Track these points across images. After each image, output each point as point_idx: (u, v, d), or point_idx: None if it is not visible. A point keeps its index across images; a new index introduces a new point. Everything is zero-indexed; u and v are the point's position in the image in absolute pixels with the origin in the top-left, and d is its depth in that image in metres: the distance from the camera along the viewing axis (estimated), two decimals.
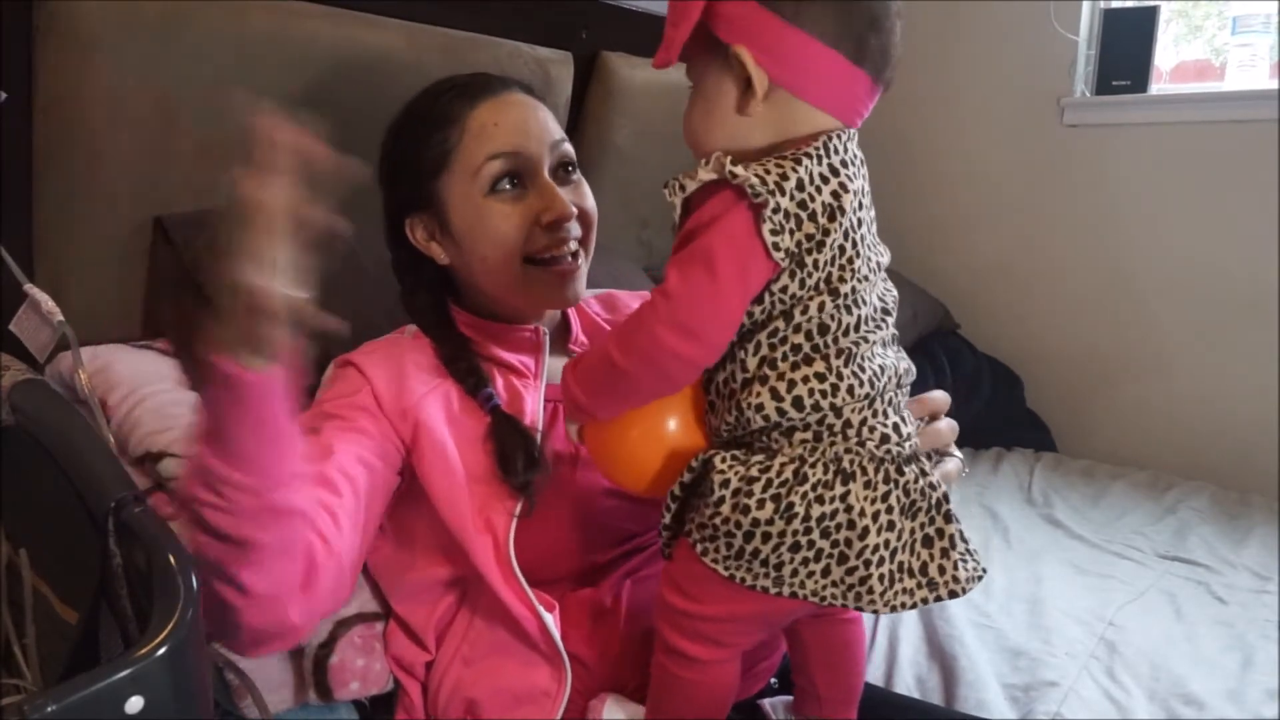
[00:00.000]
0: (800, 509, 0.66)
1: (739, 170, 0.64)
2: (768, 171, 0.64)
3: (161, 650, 0.52)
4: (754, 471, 0.68)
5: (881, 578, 0.67)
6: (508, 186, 0.91)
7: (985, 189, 2.37)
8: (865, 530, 0.67)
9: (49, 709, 0.47)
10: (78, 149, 1.16)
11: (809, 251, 0.66)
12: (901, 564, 0.68)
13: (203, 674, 0.59)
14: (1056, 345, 2.32)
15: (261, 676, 0.92)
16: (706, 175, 0.66)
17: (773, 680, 0.98)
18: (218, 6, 1.21)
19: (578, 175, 0.97)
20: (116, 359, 1.16)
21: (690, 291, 0.65)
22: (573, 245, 0.93)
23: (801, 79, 0.67)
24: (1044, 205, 2.29)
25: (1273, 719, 1.11)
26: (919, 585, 0.69)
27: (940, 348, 2.18)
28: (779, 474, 0.67)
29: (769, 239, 0.64)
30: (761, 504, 0.67)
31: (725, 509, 0.68)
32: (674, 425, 0.74)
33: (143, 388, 1.12)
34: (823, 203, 0.66)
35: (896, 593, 0.68)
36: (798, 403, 0.67)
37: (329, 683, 0.92)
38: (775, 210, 0.64)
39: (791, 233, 0.65)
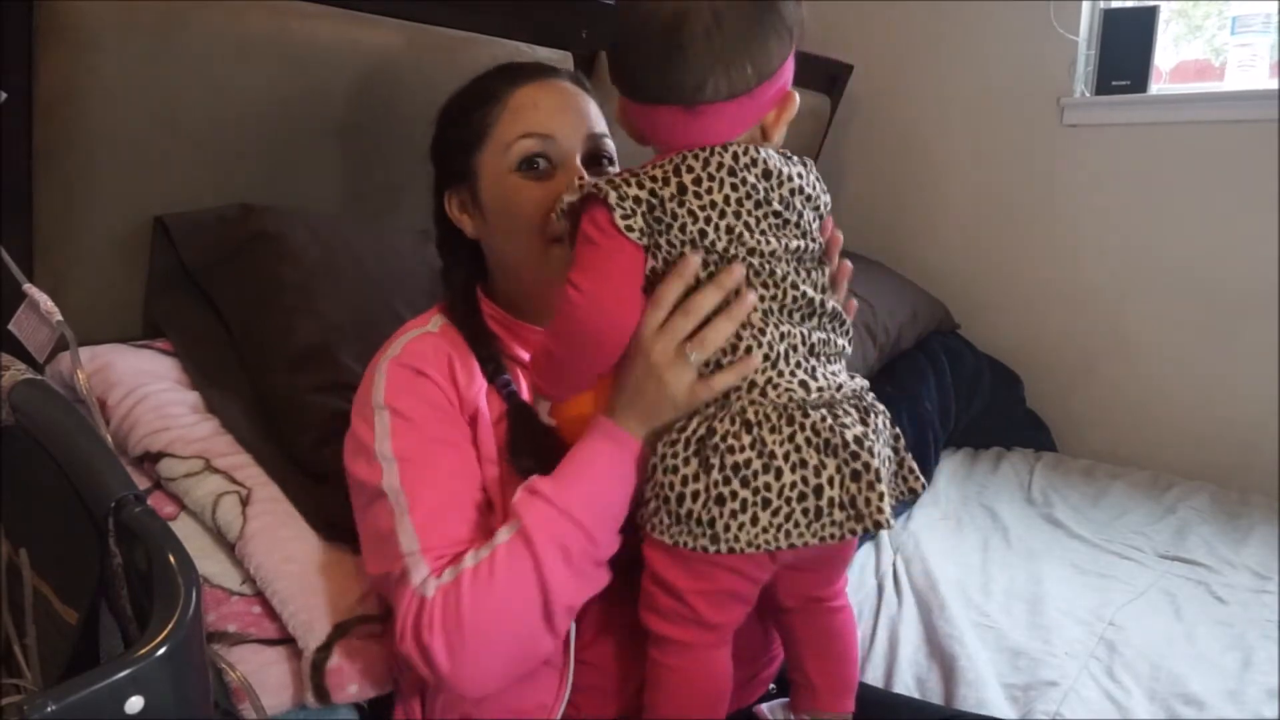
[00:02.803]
0: (715, 460, 0.73)
1: (598, 179, 0.78)
2: (628, 171, 0.78)
3: (161, 650, 0.52)
4: (673, 434, 0.76)
5: (805, 512, 0.73)
6: (536, 166, 0.92)
7: (985, 189, 2.37)
8: (779, 471, 0.73)
9: (49, 709, 0.47)
10: (78, 149, 1.16)
11: (660, 233, 0.76)
12: (831, 499, 0.73)
13: (203, 674, 0.59)
14: (1057, 345, 2.32)
15: (260, 679, 0.92)
16: (572, 197, 0.80)
17: (771, 687, 0.98)
18: (217, 6, 1.21)
19: (614, 169, 0.97)
20: (116, 358, 1.16)
21: (581, 283, 0.77)
22: None
23: (651, 136, 0.82)
24: (1044, 205, 2.29)
25: (1273, 719, 1.11)
26: (847, 518, 0.74)
27: (940, 348, 2.18)
28: (694, 432, 0.75)
29: (620, 224, 0.75)
30: (687, 462, 0.75)
31: (657, 475, 0.76)
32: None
33: (142, 387, 1.12)
34: (670, 191, 0.76)
35: (824, 524, 0.74)
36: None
37: (326, 685, 0.92)
38: (620, 200, 0.75)
39: (641, 216, 0.75)
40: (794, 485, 0.73)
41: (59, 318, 0.87)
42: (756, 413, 0.74)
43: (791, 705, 0.90)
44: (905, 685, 1.23)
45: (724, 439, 0.74)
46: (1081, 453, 2.20)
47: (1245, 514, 1.78)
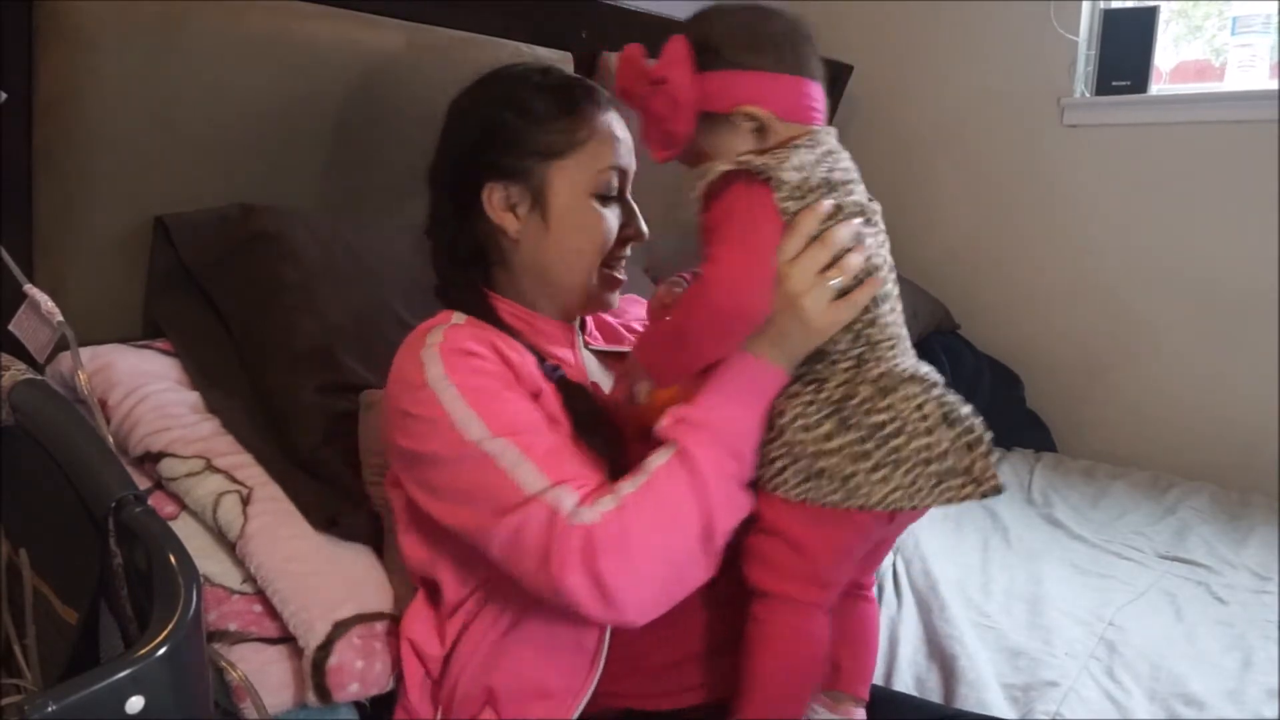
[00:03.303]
0: (855, 420, 0.78)
1: (752, 159, 0.78)
2: (772, 157, 0.79)
3: (162, 650, 0.52)
4: (807, 397, 0.80)
5: (930, 476, 0.77)
6: (611, 195, 0.97)
7: (985, 189, 2.37)
8: (911, 435, 0.77)
9: (49, 709, 0.47)
10: (78, 149, 1.16)
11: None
12: (951, 467, 0.78)
13: (203, 674, 0.59)
14: (1057, 345, 2.32)
15: (261, 678, 0.92)
16: (724, 166, 0.79)
17: None
18: (217, 6, 1.21)
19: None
20: (117, 358, 1.16)
21: (732, 260, 0.78)
22: (625, 260, 1.01)
23: (783, 104, 0.82)
24: (1044, 205, 2.29)
25: (1273, 719, 1.11)
26: (963, 484, 0.78)
27: (940, 348, 2.18)
28: (832, 395, 0.79)
29: (780, 205, 0.77)
30: (821, 423, 0.78)
31: (788, 435, 0.79)
32: None
33: (143, 387, 1.12)
34: (819, 177, 0.79)
35: (946, 488, 0.78)
36: (845, 330, 0.80)
37: (327, 684, 0.92)
38: (781, 184, 0.77)
39: (795, 200, 0.78)
40: (920, 450, 0.77)
41: (60, 318, 0.87)
42: (892, 380, 0.79)
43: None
44: (905, 685, 1.23)
45: (864, 402, 0.78)
46: (1081, 453, 2.20)
47: (1245, 514, 1.78)
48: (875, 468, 0.77)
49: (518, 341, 0.92)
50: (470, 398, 0.83)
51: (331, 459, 1.10)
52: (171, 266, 1.24)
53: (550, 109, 0.95)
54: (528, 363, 0.90)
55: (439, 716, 0.90)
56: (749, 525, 0.82)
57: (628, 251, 1.00)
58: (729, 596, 0.85)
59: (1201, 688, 1.15)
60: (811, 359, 0.81)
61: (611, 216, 0.96)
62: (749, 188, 0.79)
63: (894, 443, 0.77)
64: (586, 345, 1.05)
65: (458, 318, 0.93)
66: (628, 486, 0.78)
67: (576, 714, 0.86)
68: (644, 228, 1.00)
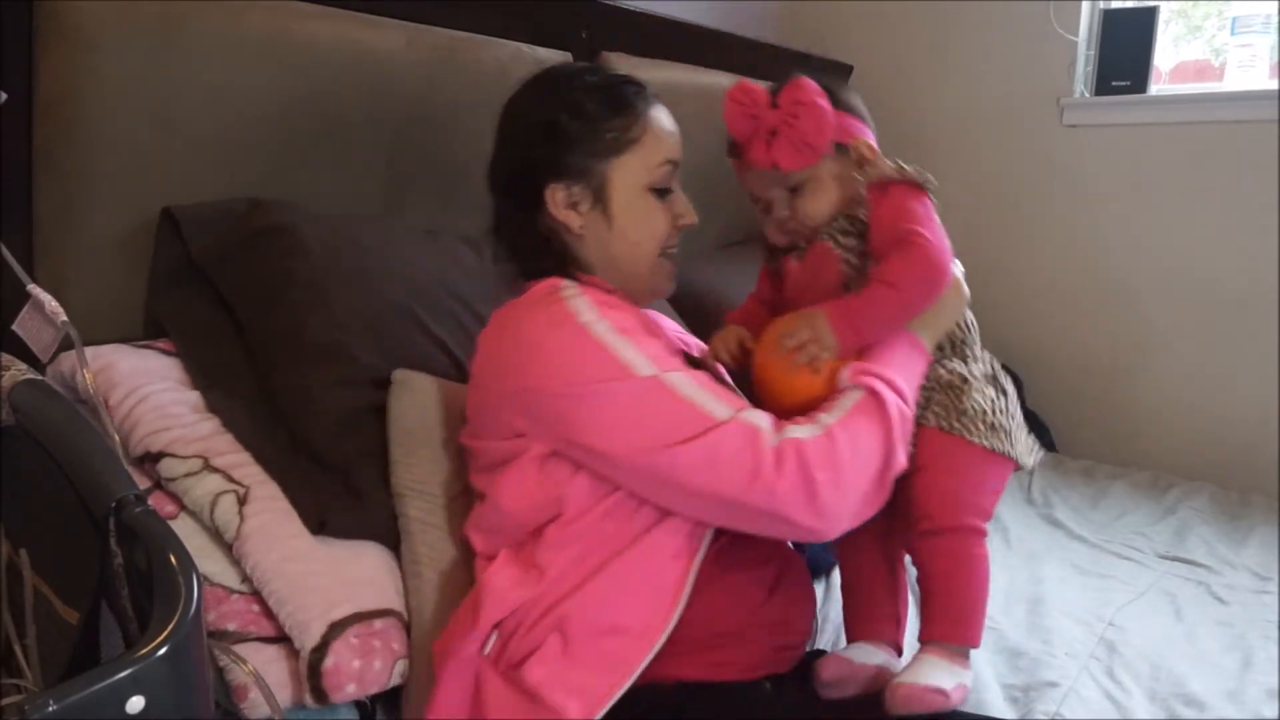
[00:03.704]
0: (1006, 389, 1.02)
1: (917, 171, 1.02)
2: (919, 170, 1.02)
3: (162, 650, 0.52)
4: (974, 369, 1.01)
5: (1028, 444, 1.02)
6: (666, 187, 1.04)
7: (985, 189, 2.37)
8: (1015, 411, 1.02)
9: (50, 709, 0.47)
10: (78, 149, 1.16)
11: None
12: (1028, 441, 1.02)
13: (203, 673, 0.59)
14: (1056, 345, 2.32)
15: (261, 682, 0.92)
16: (893, 173, 1.01)
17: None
18: (217, 6, 1.21)
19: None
20: (118, 359, 1.16)
21: (935, 235, 0.97)
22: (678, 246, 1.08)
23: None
24: (1044, 205, 2.29)
25: (1273, 719, 1.11)
26: (1033, 448, 1.03)
27: None
28: (986, 369, 1.03)
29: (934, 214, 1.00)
30: (984, 390, 0.99)
31: (969, 397, 0.98)
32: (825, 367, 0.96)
33: (143, 387, 1.12)
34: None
35: (1033, 455, 1.02)
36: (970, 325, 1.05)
37: (323, 686, 0.92)
38: (935, 193, 1.02)
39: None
40: (1020, 423, 1.02)
41: (64, 318, 0.87)
42: (992, 364, 1.05)
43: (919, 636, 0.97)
44: None
45: (1001, 376, 1.03)
46: (1081, 453, 2.20)
47: (1245, 514, 1.78)
48: (1016, 428, 0.99)
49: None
50: (631, 337, 0.92)
51: (342, 453, 1.09)
52: (176, 261, 1.23)
53: (605, 109, 1.01)
54: (664, 323, 1.01)
55: (492, 641, 0.90)
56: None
57: (678, 238, 1.07)
58: (775, 579, 0.97)
59: (1201, 688, 1.15)
60: (939, 349, 1.01)
61: (666, 207, 1.04)
62: (914, 192, 1.00)
63: (1015, 410, 1.00)
64: None
65: (572, 285, 0.98)
66: (827, 417, 0.89)
67: (648, 656, 0.88)
68: (694, 213, 1.07)
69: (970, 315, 1.05)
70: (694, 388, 0.89)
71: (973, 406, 0.97)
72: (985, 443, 0.96)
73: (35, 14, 1.10)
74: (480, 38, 1.53)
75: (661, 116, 1.04)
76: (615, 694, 0.86)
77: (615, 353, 0.90)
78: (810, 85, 0.98)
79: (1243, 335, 2.05)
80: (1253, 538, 1.67)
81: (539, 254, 1.03)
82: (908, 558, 1.06)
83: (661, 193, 1.03)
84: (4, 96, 1.00)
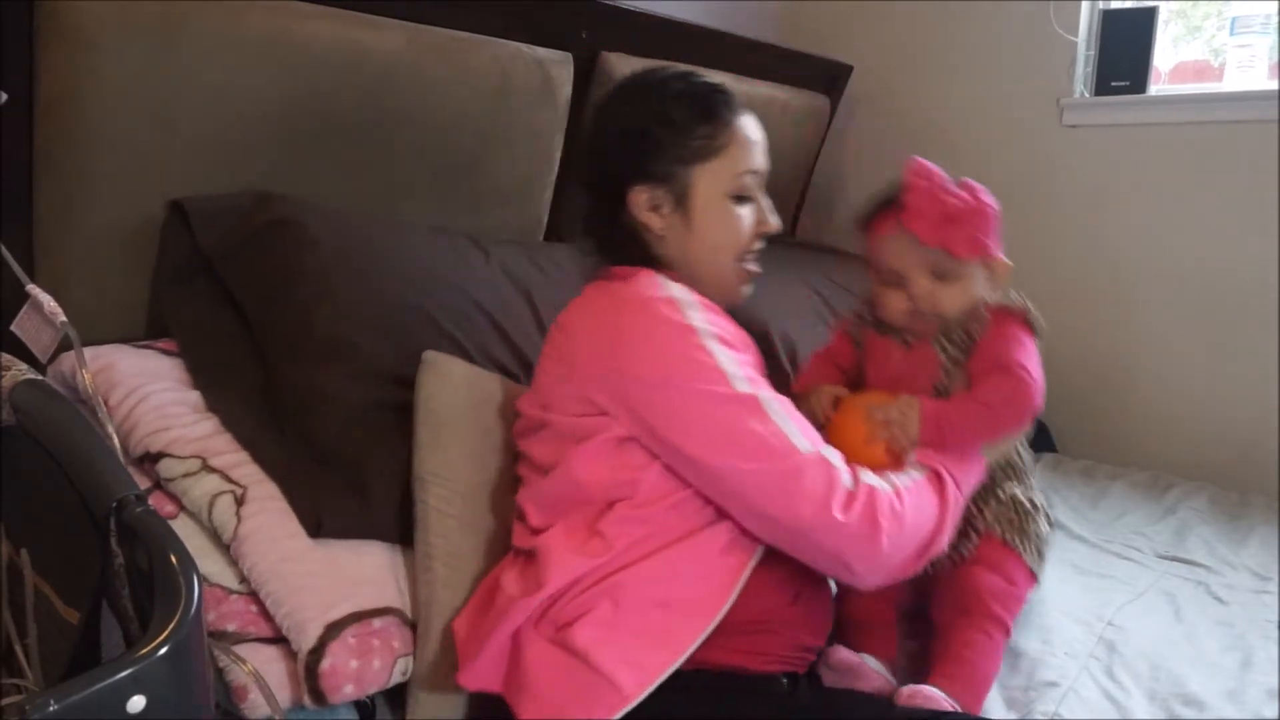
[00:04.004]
0: (1050, 521, 1.17)
1: (1034, 312, 1.13)
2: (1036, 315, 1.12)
3: (163, 650, 0.52)
4: (1037, 500, 1.19)
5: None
6: (748, 195, 1.06)
7: (985, 189, 2.36)
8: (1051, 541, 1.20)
9: (50, 708, 0.47)
10: (78, 149, 1.16)
11: None
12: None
13: (204, 673, 0.59)
14: (1056, 346, 2.29)
15: (261, 681, 0.92)
16: (1020, 303, 1.13)
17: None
18: (217, 6, 1.21)
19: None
20: (118, 359, 1.16)
21: (1037, 374, 1.07)
22: (758, 253, 1.10)
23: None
24: (1043, 205, 2.29)
25: (1273, 719, 1.11)
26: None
27: None
28: (1040, 502, 1.20)
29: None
30: (1040, 523, 1.17)
31: (1040, 525, 1.17)
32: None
33: (143, 387, 1.12)
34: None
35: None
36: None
37: (321, 688, 0.92)
38: (1041, 334, 1.13)
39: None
40: None
41: (63, 318, 0.87)
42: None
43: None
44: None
45: (1049, 510, 1.21)
46: (1081, 453, 2.20)
47: (1245, 515, 1.78)
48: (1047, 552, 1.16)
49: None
50: (731, 349, 0.96)
51: (349, 449, 1.09)
52: (183, 255, 1.23)
53: (692, 117, 1.04)
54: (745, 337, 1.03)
55: (544, 593, 0.91)
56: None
57: (761, 244, 1.09)
58: (801, 581, 1.00)
59: (1201, 688, 1.15)
60: (1006, 469, 1.15)
61: (747, 214, 1.06)
62: (1026, 327, 1.11)
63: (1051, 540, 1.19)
64: None
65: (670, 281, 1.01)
66: (899, 479, 0.96)
67: (700, 638, 0.90)
68: (775, 221, 1.09)
69: (1028, 448, 1.19)
70: (783, 414, 0.93)
71: (1035, 532, 1.14)
72: (1032, 565, 1.13)
73: (35, 14, 1.10)
74: (480, 38, 1.53)
75: (748, 125, 1.06)
76: (666, 671, 0.87)
77: (716, 360, 0.93)
78: (983, 189, 1.13)
79: (1243, 335, 2.05)
80: (1252, 538, 1.67)
81: (624, 248, 1.07)
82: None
83: (743, 200, 1.06)
84: (4, 97, 1.00)
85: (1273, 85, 2.01)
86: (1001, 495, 1.15)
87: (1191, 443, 2.12)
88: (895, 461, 1.03)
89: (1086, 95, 2.22)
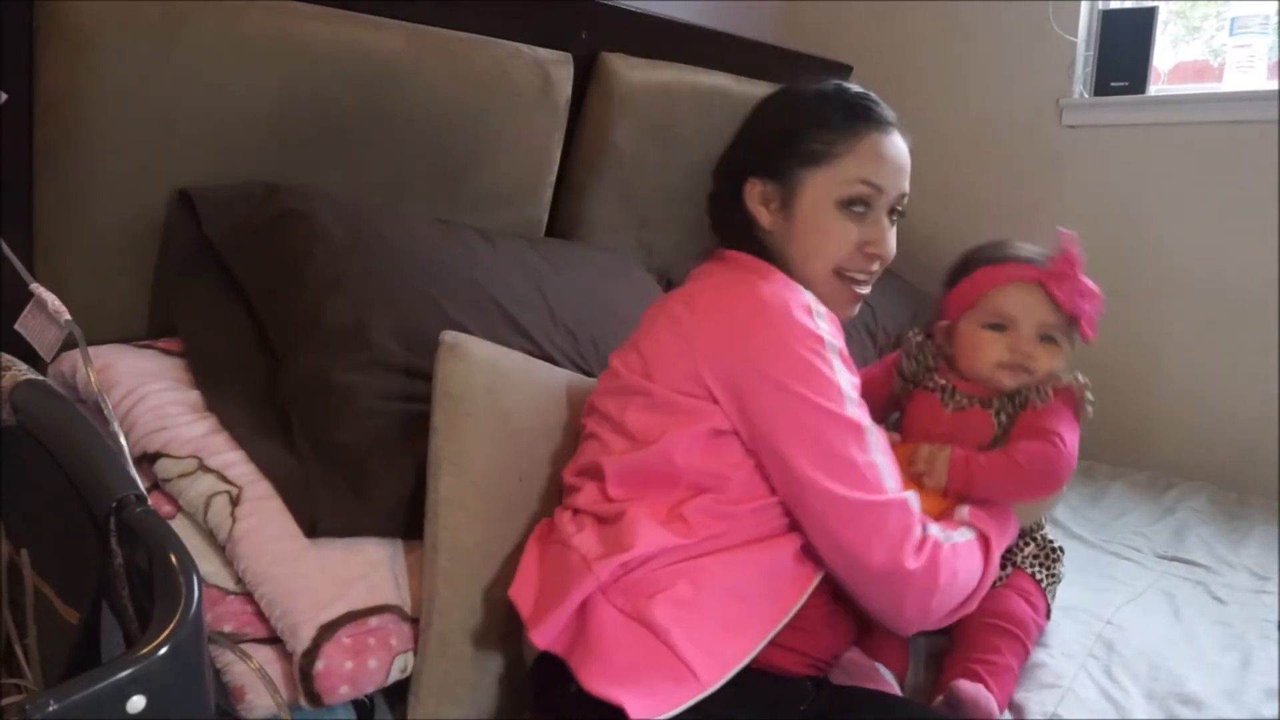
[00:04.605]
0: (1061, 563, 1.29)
1: (1077, 381, 1.19)
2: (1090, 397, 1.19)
3: (163, 650, 0.52)
4: (1057, 541, 1.28)
5: None
6: (857, 209, 1.05)
7: (984, 189, 2.37)
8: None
9: (50, 708, 0.47)
10: (78, 149, 1.16)
11: None
12: None
13: (204, 673, 0.59)
14: None
15: (256, 678, 0.92)
16: (1078, 384, 1.19)
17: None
18: (217, 6, 1.21)
19: (898, 221, 1.10)
20: (117, 359, 1.16)
21: (1074, 447, 1.15)
22: (871, 279, 1.09)
23: None
24: (1043, 206, 2.29)
25: (1272, 719, 1.11)
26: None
27: None
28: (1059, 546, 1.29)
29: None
30: (1061, 563, 1.27)
31: (1062, 567, 1.27)
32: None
33: (142, 387, 1.12)
34: None
35: None
36: None
37: (316, 690, 0.91)
38: (1087, 417, 1.20)
39: None
40: None
41: (67, 316, 0.87)
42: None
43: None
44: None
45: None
46: (1081, 453, 2.19)
47: (1244, 515, 1.78)
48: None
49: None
50: (851, 375, 0.98)
51: (355, 440, 1.08)
52: (190, 245, 1.22)
53: (817, 121, 1.05)
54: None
55: (631, 555, 0.91)
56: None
57: (874, 267, 1.08)
58: (834, 592, 1.01)
59: (1200, 687, 1.16)
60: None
61: (853, 228, 1.05)
62: (1075, 405, 1.18)
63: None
64: None
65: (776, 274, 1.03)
66: (959, 536, 1.00)
67: (772, 632, 0.92)
68: (891, 250, 1.08)
69: None
70: (880, 451, 0.96)
71: (1060, 572, 1.24)
72: (1050, 601, 1.23)
73: (35, 14, 1.10)
74: (480, 38, 1.53)
75: (881, 141, 1.06)
76: (739, 663, 0.88)
77: (835, 376, 0.95)
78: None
79: (1242, 335, 2.05)
80: (1251, 538, 1.67)
81: (740, 235, 1.09)
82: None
83: (854, 213, 1.04)
84: (4, 96, 1.00)
85: (1272, 85, 2.02)
86: (1040, 539, 1.24)
87: (1191, 443, 2.12)
88: (933, 505, 1.07)
89: (1086, 95, 2.22)
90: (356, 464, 1.06)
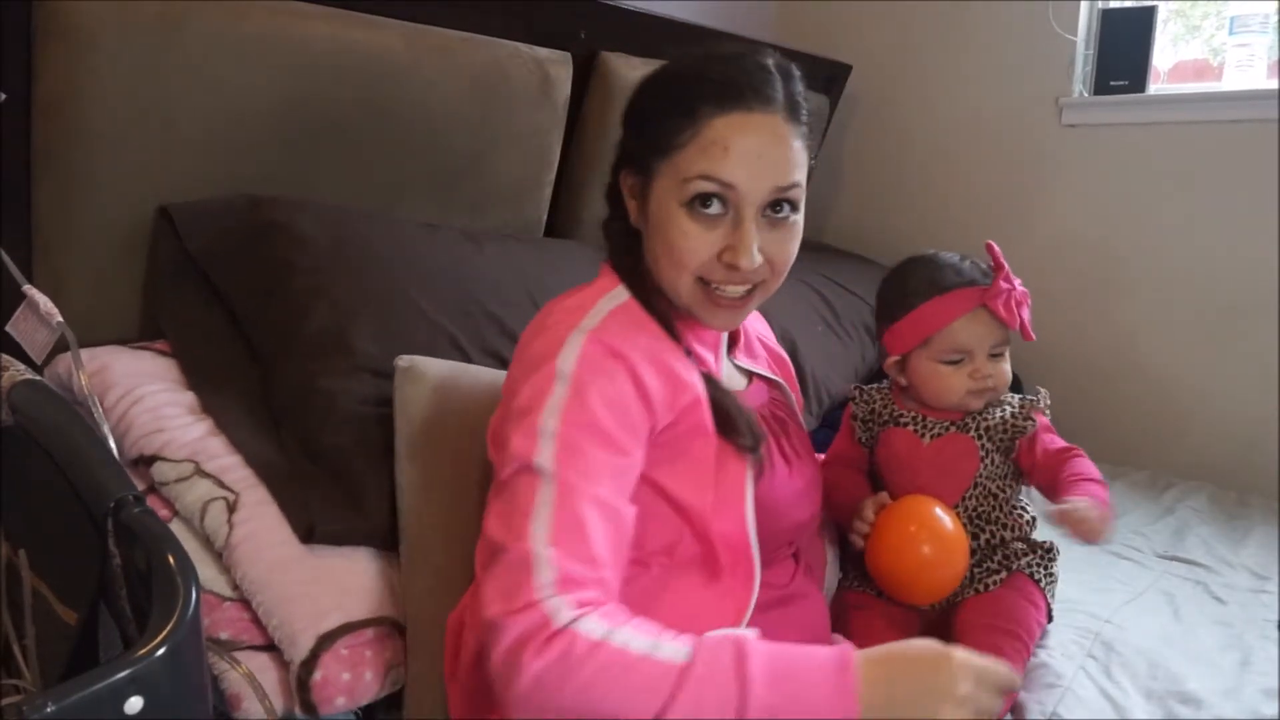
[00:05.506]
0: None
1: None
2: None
3: (161, 650, 0.52)
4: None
5: None
6: (709, 209, 0.86)
7: (984, 189, 2.37)
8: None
9: (49, 709, 0.47)
10: (77, 149, 1.16)
11: None
12: None
13: (202, 674, 0.59)
14: (1055, 345, 2.31)
15: (255, 684, 0.91)
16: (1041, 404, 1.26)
17: None
18: (217, 6, 1.21)
19: (794, 217, 0.90)
20: (114, 360, 1.16)
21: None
22: (745, 288, 0.90)
23: None
24: (1042, 205, 2.29)
25: (1271, 718, 1.11)
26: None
27: None
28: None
29: None
30: (1057, 563, 1.24)
31: (1058, 567, 1.24)
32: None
33: (138, 389, 1.12)
34: None
35: None
36: None
37: (313, 700, 0.91)
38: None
39: None
40: None
41: (59, 319, 0.87)
42: None
43: None
44: None
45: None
46: None
47: (1244, 514, 1.78)
48: None
49: (668, 333, 0.90)
50: (569, 413, 0.79)
51: (343, 449, 1.08)
52: (175, 259, 1.23)
53: (670, 101, 0.88)
54: (680, 367, 0.87)
55: None
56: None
57: (745, 278, 0.88)
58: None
59: (1199, 687, 1.15)
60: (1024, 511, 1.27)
61: (700, 232, 0.86)
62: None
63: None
64: (731, 358, 1.03)
65: (619, 295, 0.90)
66: (624, 635, 0.71)
67: None
68: (749, 259, 0.86)
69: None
70: (543, 499, 0.76)
71: (1056, 572, 1.23)
72: (1050, 600, 1.22)
73: (35, 14, 1.10)
74: (480, 38, 1.53)
75: (737, 126, 0.85)
76: None
77: (540, 419, 0.79)
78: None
79: (1242, 335, 2.05)
80: (1251, 538, 1.67)
81: (618, 235, 0.95)
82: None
83: (702, 214, 0.86)
84: (3, 96, 1.00)
85: (1272, 84, 2.01)
86: (1040, 545, 1.23)
87: (1191, 442, 2.12)
88: (938, 564, 1.07)
89: (1085, 94, 2.22)
90: (343, 468, 1.06)
